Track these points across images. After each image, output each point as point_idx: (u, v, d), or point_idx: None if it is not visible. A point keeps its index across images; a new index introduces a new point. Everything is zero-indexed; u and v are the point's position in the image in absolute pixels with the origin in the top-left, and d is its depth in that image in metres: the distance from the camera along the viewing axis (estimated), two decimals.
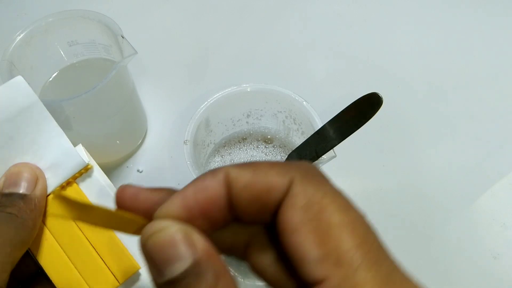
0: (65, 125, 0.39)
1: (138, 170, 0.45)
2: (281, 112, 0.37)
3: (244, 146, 0.39)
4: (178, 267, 0.13)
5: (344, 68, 0.53)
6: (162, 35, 0.57)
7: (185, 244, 0.13)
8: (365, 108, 0.28)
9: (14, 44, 0.38)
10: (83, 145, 0.44)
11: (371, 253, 0.13)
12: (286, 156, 0.34)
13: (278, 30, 0.57)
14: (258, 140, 0.39)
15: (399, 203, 0.43)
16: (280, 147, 0.39)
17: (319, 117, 0.33)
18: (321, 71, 0.53)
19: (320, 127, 0.31)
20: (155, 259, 0.14)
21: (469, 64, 0.53)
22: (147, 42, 0.55)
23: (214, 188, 0.15)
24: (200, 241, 0.14)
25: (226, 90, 0.35)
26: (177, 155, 0.46)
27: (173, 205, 0.14)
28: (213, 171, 0.15)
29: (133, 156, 0.46)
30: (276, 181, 0.14)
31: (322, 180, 0.15)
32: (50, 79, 0.42)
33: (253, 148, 0.39)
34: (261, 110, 0.38)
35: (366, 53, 0.54)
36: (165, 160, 0.46)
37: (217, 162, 0.38)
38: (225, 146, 0.39)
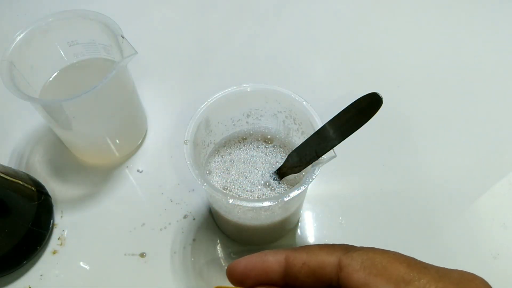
0: (65, 125, 0.39)
1: (138, 170, 0.45)
2: (281, 112, 0.37)
3: (244, 146, 0.39)
4: None
5: (344, 68, 0.53)
6: (162, 35, 0.57)
7: None
8: (365, 108, 0.28)
9: (14, 44, 0.38)
10: (84, 146, 0.44)
11: (419, 267, 0.18)
12: (286, 156, 0.34)
13: (278, 30, 0.57)
14: (258, 140, 0.39)
15: (399, 203, 0.43)
16: (280, 147, 0.39)
17: (319, 117, 0.33)
18: (321, 71, 0.53)
19: (320, 127, 0.31)
20: None
21: (469, 64, 0.53)
22: (147, 42, 0.55)
23: (272, 262, 0.20)
24: None
25: (226, 90, 0.35)
26: (177, 155, 0.46)
27: (239, 274, 0.20)
28: (275, 251, 0.20)
29: (133, 156, 0.46)
30: (327, 259, 0.19)
31: (358, 247, 0.20)
32: (50, 79, 0.42)
33: (253, 148, 0.39)
34: (261, 110, 0.38)
35: (366, 53, 0.54)
36: (165, 160, 0.46)
37: (217, 162, 0.38)
38: (225, 146, 0.39)
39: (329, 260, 0.19)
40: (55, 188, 0.44)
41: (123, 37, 0.37)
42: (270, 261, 0.20)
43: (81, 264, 0.40)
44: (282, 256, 0.20)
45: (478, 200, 0.43)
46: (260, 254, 0.21)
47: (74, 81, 0.43)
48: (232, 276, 0.21)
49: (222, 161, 0.38)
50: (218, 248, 0.40)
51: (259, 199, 0.32)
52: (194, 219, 0.42)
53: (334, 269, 0.19)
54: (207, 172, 0.37)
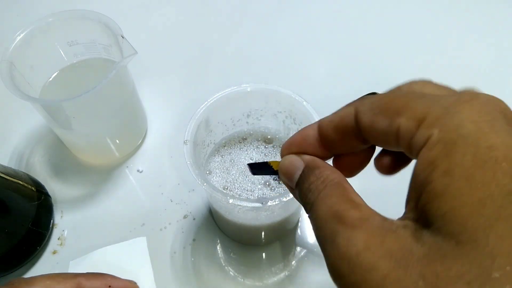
0: (65, 125, 0.39)
1: (138, 170, 0.45)
2: (281, 112, 0.37)
3: (244, 146, 0.39)
4: (298, 172, 0.21)
5: (344, 68, 0.53)
6: (162, 35, 0.57)
7: (298, 160, 0.22)
8: None
9: (14, 44, 0.38)
10: (84, 146, 0.44)
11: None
12: None
13: (278, 30, 0.57)
14: (258, 140, 0.39)
15: (399, 203, 0.42)
16: (280, 147, 0.39)
17: (319, 117, 0.33)
18: (321, 71, 0.53)
19: None
20: (285, 177, 0.22)
21: (469, 63, 0.53)
22: (147, 42, 0.55)
23: (308, 129, 0.23)
24: (306, 157, 0.22)
25: (226, 90, 0.35)
26: (177, 155, 0.46)
27: (287, 146, 0.23)
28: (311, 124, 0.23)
29: (133, 156, 0.46)
30: (346, 110, 0.21)
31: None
32: (50, 79, 0.42)
33: (253, 148, 0.39)
34: (261, 110, 0.38)
35: (366, 53, 0.54)
36: (165, 160, 0.46)
37: (217, 162, 0.38)
38: (225, 146, 0.39)
39: (347, 110, 0.20)
40: (55, 188, 0.44)
41: (123, 37, 0.37)
42: (306, 129, 0.23)
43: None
44: (316, 124, 0.22)
45: None
46: (299, 130, 0.23)
47: (74, 81, 0.43)
48: (281, 154, 0.24)
49: (222, 161, 0.38)
50: (218, 248, 0.40)
51: (259, 199, 0.32)
52: (194, 219, 0.42)
53: (353, 117, 0.20)
54: (207, 172, 0.37)
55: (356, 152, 0.23)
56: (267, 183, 0.36)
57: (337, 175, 0.20)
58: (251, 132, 0.40)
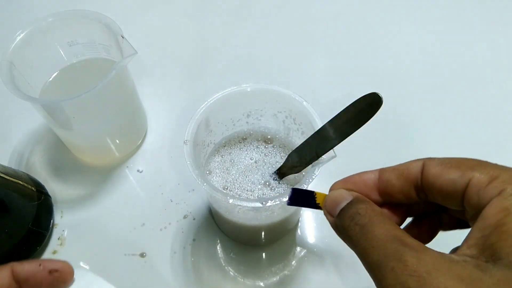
0: (65, 125, 0.39)
1: (138, 170, 0.45)
2: (281, 112, 0.37)
3: (244, 146, 0.39)
4: (345, 202, 0.23)
5: (344, 68, 0.53)
6: (162, 35, 0.57)
7: (347, 193, 0.24)
8: (365, 108, 0.28)
9: (14, 44, 0.38)
10: (84, 146, 0.44)
11: (490, 163, 0.21)
12: (286, 156, 0.34)
13: (278, 30, 0.57)
14: (258, 140, 0.39)
15: None
16: (280, 147, 0.39)
17: (319, 117, 0.33)
18: (321, 71, 0.53)
19: (320, 127, 0.31)
20: (329, 206, 0.24)
21: (469, 64, 0.53)
22: (147, 42, 0.55)
23: (368, 172, 0.24)
24: (355, 193, 0.24)
25: (226, 90, 0.35)
26: (177, 155, 0.46)
27: (342, 181, 0.25)
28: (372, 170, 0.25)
29: (133, 156, 0.46)
30: (413, 162, 0.23)
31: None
32: (50, 79, 0.42)
33: (253, 148, 0.39)
34: (261, 110, 0.38)
35: (366, 53, 0.54)
36: (165, 160, 0.46)
37: (217, 162, 0.38)
38: (225, 146, 0.39)
39: (415, 163, 0.23)
40: (55, 188, 0.44)
41: (123, 37, 0.37)
42: (366, 172, 0.24)
43: (81, 264, 0.40)
44: (377, 169, 0.24)
45: None
46: (359, 172, 0.25)
47: (74, 81, 0.43)
48: (332, 187, 0.25)
49: (222, 161, 0.38)
50: (218, 248, 0.40)
51: (259, 199, 0.32)
52: (194, 219, 0.42)
53: (419, 168, 0.22)
54: (207, 172, 0.37)
55: (403, 206, 0.25)
56: (267, 183, 0.36)
57: (385, 211, 0.23)
58: (251, 132, 0.40)
